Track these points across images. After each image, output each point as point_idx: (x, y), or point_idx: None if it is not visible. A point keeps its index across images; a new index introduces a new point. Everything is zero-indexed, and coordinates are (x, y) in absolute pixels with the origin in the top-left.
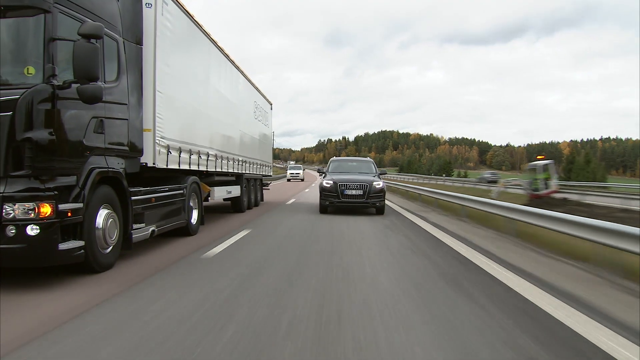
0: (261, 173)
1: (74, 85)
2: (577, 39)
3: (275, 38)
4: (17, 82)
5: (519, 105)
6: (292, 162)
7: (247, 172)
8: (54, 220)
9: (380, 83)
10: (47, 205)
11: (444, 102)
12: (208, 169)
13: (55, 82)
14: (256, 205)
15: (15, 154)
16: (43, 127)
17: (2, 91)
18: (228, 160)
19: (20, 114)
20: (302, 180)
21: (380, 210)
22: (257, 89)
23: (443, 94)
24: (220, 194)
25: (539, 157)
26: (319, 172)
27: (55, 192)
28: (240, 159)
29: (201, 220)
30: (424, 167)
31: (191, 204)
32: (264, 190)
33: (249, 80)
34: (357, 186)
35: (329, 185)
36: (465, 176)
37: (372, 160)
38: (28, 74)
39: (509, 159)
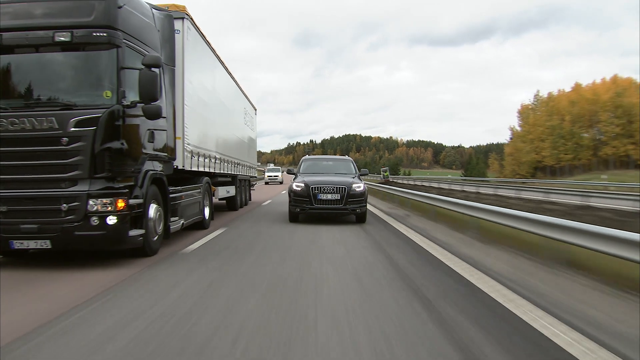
0: (249, 174)
1: (138, 105)
2: (543, 39)
3: (245, 39)
4: (96, 103)
5: (488, 103)
6: (270, 165)
7: (240, 173)
8: (126, 213)
9: (349, 83)
10: (122, 200)
11: (413, 102)
12: (215, 171)
13: (124, 103)
14: (245, 204)
15: (97, 160)
16: (118, 138)
17: (87, 110)
18: (227, 163)
19: (101, 128)
20: (281, 182)
21: (361, 218)
22: (245, 95)
23: (412, 93)
24: (222, 193)
25: (383, 167)
26: (289, 173)
27: (127, 190)
28: (235, 161)
29: (211, 216)
30: (378, 167)
31: (205, 201)
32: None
33: (240, 88)
34: (333, 189)
35: (299, 189)
36: (409, 174)
37: (350, 159)
38: (106, 96)
39: (459, 158)
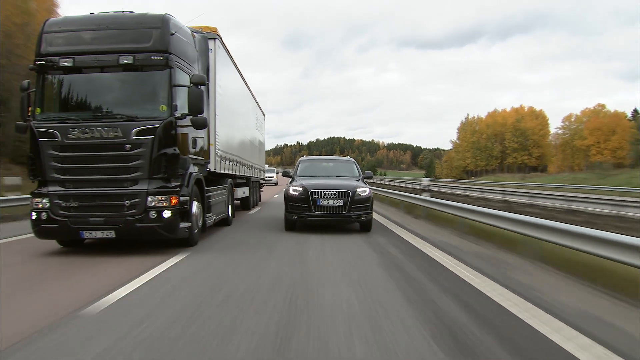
0: (259, 176)
1: (187, 117)
2: (529, 43)
3: (235, 39)
4: (154, 115)
5: (474, 105)
6: (265, 166)
7: (252, 175)
8: (178, 208)
9: (337, 84)
10: (175, 197)
11: (400, 103)
12: (235, 173)
13: (176, 115)
14: (256, 204)
15: (154, 164)
16: (171, 145)
17: (146, 122)
18: (244, 166)
19: (158, 137)
20: (276, 184)
21: (366, 227)
22: (256, 101)
23: (399, 94)
24: (239, 193)
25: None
26: (285, 176)
27: (178, 189)
28: (249, 164)
29: (233, 214)
30: (363, 169)
31: (228, 200)
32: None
33: (252, 94)
34: (335, 194)
35: (297, 194)
36: (385, 174)
37: (353, 160)
38: (162, 110)
39: (437, 161)
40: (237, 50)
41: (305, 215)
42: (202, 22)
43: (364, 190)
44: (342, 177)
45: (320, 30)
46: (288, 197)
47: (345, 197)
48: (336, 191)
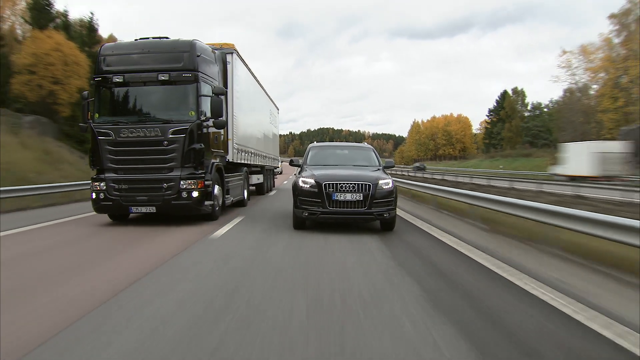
0: (273, 165)
1: (210, 120)
2: (519, 33)
3: (228, 30)
4: (185, 119)
5: (465, 94)
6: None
7: (266, 164)
8: (204, 190)
9: (330, 73)
10: (201, 182)
11: (391, 92)
12: (250, 162)
13: (202, 118)
14: (270, 190)
15: (186, 156)
16: (198, 142)
17: (179, 124)
18: (258, 156)
19: (189, 136)
20: (281, 173)
21: (388, 225)
22: (270, 98)
23: (391, 83)
24: (254, 180)
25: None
26: (293, 165)
27: (203, 175)
28: (263, 154)
29: (248, 197)
30: None
31: (244, 185)
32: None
33: (266, 93)
34: (353, 187)
35: (307, 186)
36: None
37: (371, 147)
38: (191, 115)
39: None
40: (231, 41)
41: (318, 212)
42: (222, 39)
43: (386, 183)
44: (360, 166)
45: (314, 21)
46: (297, 190)
47: (365, 190)
48: (355, 183)
